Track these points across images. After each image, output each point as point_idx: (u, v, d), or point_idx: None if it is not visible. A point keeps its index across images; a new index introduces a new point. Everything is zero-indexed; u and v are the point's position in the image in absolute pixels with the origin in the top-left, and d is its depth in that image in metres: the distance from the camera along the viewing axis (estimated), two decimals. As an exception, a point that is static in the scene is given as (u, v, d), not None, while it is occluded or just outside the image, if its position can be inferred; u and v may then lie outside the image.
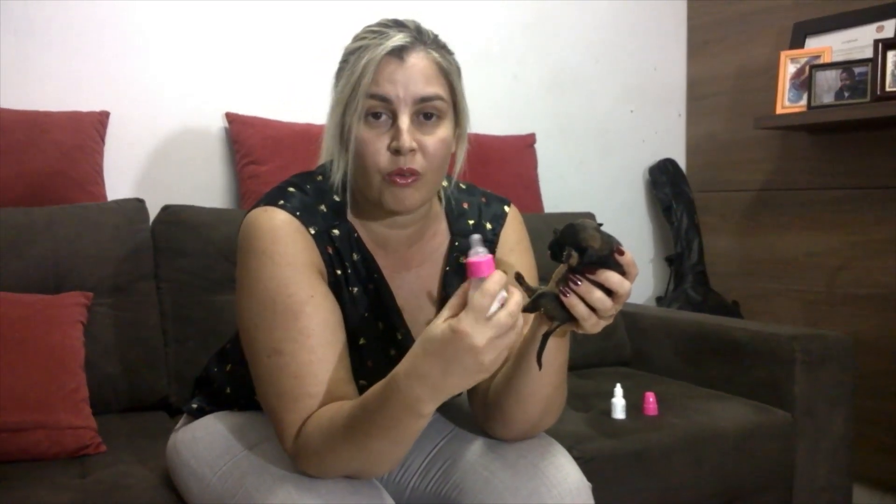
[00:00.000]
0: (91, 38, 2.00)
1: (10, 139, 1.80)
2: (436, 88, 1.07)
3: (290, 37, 2.23)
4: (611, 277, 0.95)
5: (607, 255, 0.95)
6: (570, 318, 0.98)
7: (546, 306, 0.99)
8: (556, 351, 1.05)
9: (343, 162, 1.11)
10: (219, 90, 2.15)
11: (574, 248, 0.94)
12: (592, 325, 0.97)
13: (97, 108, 1.98)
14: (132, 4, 2.04)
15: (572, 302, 0.95)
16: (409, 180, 1.06)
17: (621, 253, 0.95)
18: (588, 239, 0.94)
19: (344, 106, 1.07)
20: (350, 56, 1.08)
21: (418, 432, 0.97)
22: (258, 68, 2.20)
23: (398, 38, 1.06)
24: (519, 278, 1.01)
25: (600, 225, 0.96)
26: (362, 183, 1.09)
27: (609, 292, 0.95)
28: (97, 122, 1.95)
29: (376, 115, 1.06)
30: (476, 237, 0.92)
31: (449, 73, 1.10)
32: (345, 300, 1.13)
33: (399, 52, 1.05)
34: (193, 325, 1.83)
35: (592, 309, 0.96)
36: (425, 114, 1.07)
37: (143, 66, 2.06)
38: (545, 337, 1.02)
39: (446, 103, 1.09)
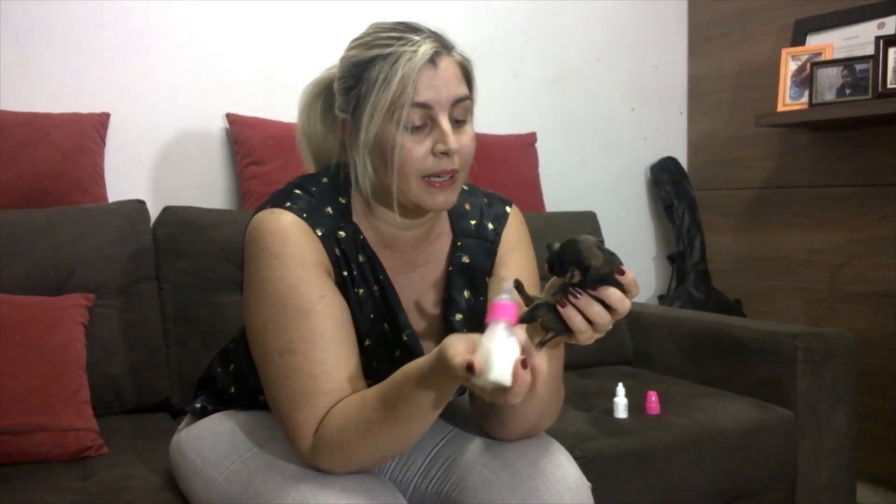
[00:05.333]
0: (91, 40, 2.01)
1: (11, 141, 1.80)
2: (465, 90, 1.10)
3: (290, 37, 2.23)
4: (612, 294, 0.94)
5: (609, 273, 0.93)
6: (566, 329, 0.96)
7: (543, 317, 0.97)
8: (551, 361, 1.04)
9: (371, 167, 1.10)
10: (219, 91, 2.15)
11: (576, 265, 0.93)
12: (587, 337, 0.97)
13: (98, 110, 1.98)
14: (133, 5, 2.04)
15: (569, 314, 0.95)
16: (448, 182, 1.08)
17: (622, 272, 0.94)
18: (591, 257, 0.92)
19: (382, 116, 1.06)
20: (369, 65, 1.07)
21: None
22: (258, 69, 2.20)
23: (428, 46, 1.06)
24: (518, 286, 1.00)
25: (601, 241, 0.95)
26: (400, 186, 1.08)
27: (608, 307, 0.95)
28: (98, 124, 1.95)
29: (418, 124, 1.07)
30: (507, 285, 0.93)
31: (470, 75, 1.13)
32: (351, 301, 1.13)
33: (432, 59, 1.06)
34: (195, 326, 1.83)
35: (589, 322, 0.95)
36: (456, 116, 1.09)
37: (143, 67, 2.06)
38: (538, 346, 1.00)
39: (472, 103, 1.12)
